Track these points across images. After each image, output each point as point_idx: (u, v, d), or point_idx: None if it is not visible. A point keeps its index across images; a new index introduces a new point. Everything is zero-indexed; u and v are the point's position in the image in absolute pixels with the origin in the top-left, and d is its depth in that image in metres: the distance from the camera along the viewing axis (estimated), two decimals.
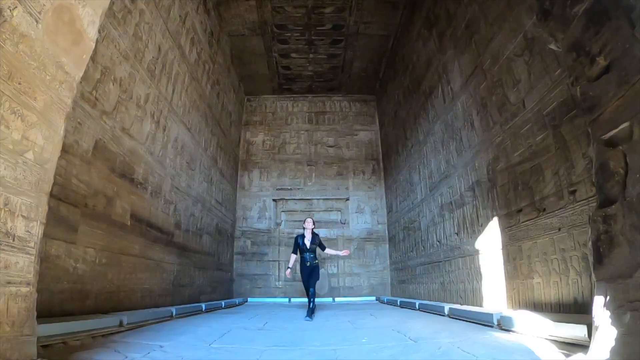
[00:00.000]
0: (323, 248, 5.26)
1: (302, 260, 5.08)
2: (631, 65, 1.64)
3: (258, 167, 9.78)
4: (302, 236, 5.16)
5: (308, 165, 9.82)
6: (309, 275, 5.02)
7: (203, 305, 5.71)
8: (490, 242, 4.17)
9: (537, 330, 2.70)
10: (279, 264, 9.05)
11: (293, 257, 5.23)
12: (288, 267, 5.24)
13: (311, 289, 4.97)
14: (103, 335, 2.93)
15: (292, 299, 8.56)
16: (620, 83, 1.70)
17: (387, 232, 9.28)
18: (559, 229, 3.00)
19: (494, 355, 2.23)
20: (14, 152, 1.72)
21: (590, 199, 2.63)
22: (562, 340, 2.41)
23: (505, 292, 3.81)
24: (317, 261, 5.13)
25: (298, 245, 5.14)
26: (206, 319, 4.58)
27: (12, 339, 1.64)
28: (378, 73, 9.65)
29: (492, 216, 4.13)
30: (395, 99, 8.46)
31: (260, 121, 10.22)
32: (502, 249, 3.89)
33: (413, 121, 7.17)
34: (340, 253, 5.62)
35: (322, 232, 9.29)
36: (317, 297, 9.39)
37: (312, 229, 5.21)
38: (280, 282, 8.95)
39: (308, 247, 5.04)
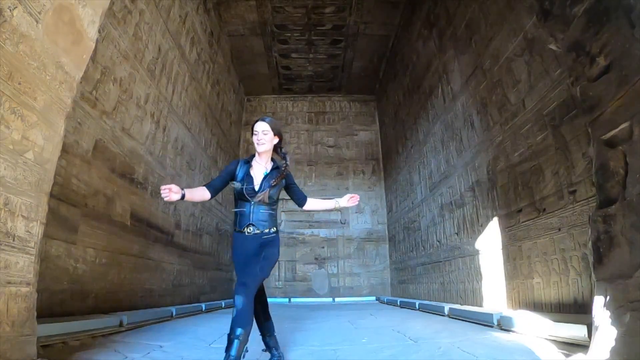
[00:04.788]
0: (301, 201, 2.35)
1: (239, 219, 2.17)
2: (631, 65, 1.64)
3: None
4: (247, 163, 2.25)
5: (308, 165, 9.82)
6: (250, 258, 2.08)
7: (203, 305, 5.71)
8: (490, 242, 4.17)
9: (537, 330, 2.70)
10: (279, 264, 9.04)
11: (199, 190, 2.19)
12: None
13: (239, 297, 1.86)
14: (103, 335, 2.93)
15: (292, 299, 8.56)
16: (620, 83, 1.70)
17: (387, 232, 9.28)
18: (559, 229, 3.00)
19: (494, 355, 2.23)
20: (14, 152, 1.72)
21: (590, 199, 2.63)
22: (562, 340, 2.41)
23: (505, 292, 3.81)
24: (273, 230, 2.18)
25: (234, 181, 2.20)
26: (206, 319, 4.58)
27: (12, 339, 1.64)
28: (378, 73, 9.65)
29: (492, 216, 4.13)
30: (395, 99, 8.46)
31: None
32: (502, 249, 3.89)
33: (413, 121, 7.16)
34: (342, 200, 2.36)
35: (322, 233, 9.31)
36: (317, 298, 9.53)
37: (278, 151, 2.32)
38: (280, 282, 8.95)
39: (257, 189, 2.15)
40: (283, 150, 2.33)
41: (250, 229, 2.13)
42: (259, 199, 2.13)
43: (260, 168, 2.23)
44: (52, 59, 1.93)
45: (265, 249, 2.11)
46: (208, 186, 2.19)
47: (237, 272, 2.15)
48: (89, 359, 2.21)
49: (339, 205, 2.33)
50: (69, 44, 2.05)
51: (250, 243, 2.13)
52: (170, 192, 1.95)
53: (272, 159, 2.29)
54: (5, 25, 1.62)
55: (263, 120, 2.25)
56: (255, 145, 2.23)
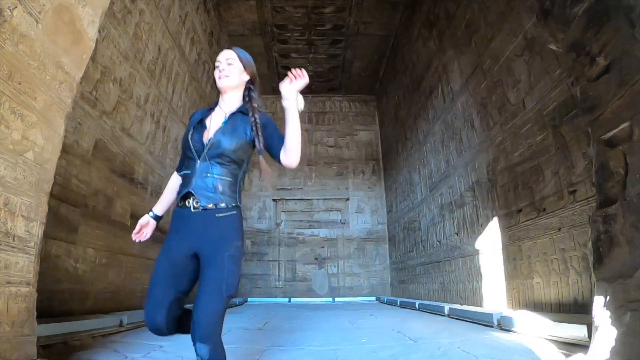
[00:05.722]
0: (281, 150, 1.55)
1: (181, 186, 1.49)
2: (631, 65, 1.64)
3: (258, 167, 9.77)
4: (209, 110, 1.59)
5: (308, 165, 9.82)
6: (187, 247, 1.39)
7: None
8: (490, 242, 4.17)
9: (537, 330, 2.70)
10: (279, 264, 9.05)
11: (170, 187, 1.69)
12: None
13: (204, 347, 1.24)
14: (103, 335, 2.93)
15: (292, 299, 8.56)
16: (620, 83, 1.70)
17: (387, 232, 9.28)
18: (559, 229, 3.00)
19: (494, 356, 2.23)
20: (14, 152, 1.72)
21: (590, 199, 2.63)
22: (562, 340, 2.41)
23: (505, 292, 3.81)
24: (233, 205, 1.43)
25: (189, 135, 1.48)
26: None
27: (12, 339, 1.64)
28: (378, 73, 9.65)
29: (492, 216, 4.13)
30: (395, 99, 8.46)
31: None
32: (502, 249, 3.89)
33: (413, 121, 7.17)
34: (286, 96, 1.45)
35: (322, 233, 9.29)
36: (317, 298, 9.48)
37: (253, 99, 1.59)
38: (280, 282, 8.95)
39: (209, 142, 1.43)
40: (254, 92, 1.63)
41: (193, 201, 1.41)
42: (213, 148, 1.42)
43: (220, 113, 1.55)
44: (52, 59, 1.93)
45: (222, 242, 1.37)
46: (178, 170, 1.61)
47: (161, 281, 1.38)
48: (89, 359, 2.21)
49: (298, 106, 1.50)
50: (69, 44, 2.05)
51: (193, 218, 1.40)
52: (143, 229, 1.65)
53: (246, 101, 1.60)
54: (5, 25, 1.62)
55: (229, 48, 1.63)
56: (217, 80, 1.56)
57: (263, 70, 9.45)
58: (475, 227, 4.59)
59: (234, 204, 1.45)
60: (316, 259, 9.10)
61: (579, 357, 1.89)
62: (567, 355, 2.06)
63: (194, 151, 1.45)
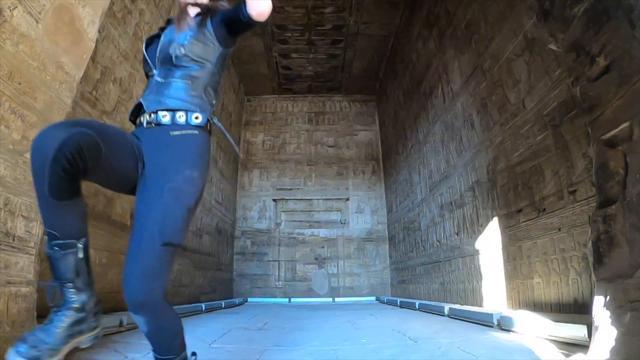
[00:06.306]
0: (244, 9, 1.18)
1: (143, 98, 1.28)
2: (631, 65, 1.64)
3: (258, 167, 9.79)
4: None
5: (308, 165, 9.83)
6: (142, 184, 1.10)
7: (203, 305, 5.71)
8: (490, 242, 4.17)
9: (537, 330, 2.70)
10: (279, 264, 9.06)
11: None
12: None
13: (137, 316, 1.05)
14: (103, 335, 2.93)
15: (293, 299, 8.57)
16: (620, 83, 1.70)
17: (387, 232, 9.28)
18: (559, 229, 3.00)
19: (494, 355, 2.23)
20: (14, 152, 1.72)
21: (590, 199, 2.63)
22: (562, 340, 2.42)
23: (505, 292, 3.81)
24: (195, 118, 1.19)
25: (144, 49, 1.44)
26: (206, 319, 4.58)
27: (12, 339, 1.64)
28: (378, 73, 9.65)
29: (492, 216, 4.13)
30: (395, 99, 8.47)
31: (260, 121, 10.23)
32: (502, 249, 3.89)
33: (413, 121, 7.17)
34: None
35: (322, 233, 9.30)
36: (317, 298, 9.55)
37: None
38: (280, 282, 8.96)
39: (161, 45, 1.30)
40: (223, 0, 1.44)
41: (149, 116, 1.19)
42: (170, 55, 1.24)
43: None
44: (52, 59, 1.93)
45: (167, 170, 1.09)
46: None
47: (89, 120, 1.25)
48: (89, 359, 2.21)
49: None
50: (69, 44, 2.05)
51: (147, 146, 1.13)
52: None
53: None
54: (5, 25, 1.62)
55: None
56: None
57: (263, 70, 9.45)
58: (475, 227, 4.59)
59: (198, 118, 1.19)
60: (316, 259, 9.10)
61: (579, 357, 1.89)
62: (567, 355, 2.06)
63: (150, 63, 1.31)
